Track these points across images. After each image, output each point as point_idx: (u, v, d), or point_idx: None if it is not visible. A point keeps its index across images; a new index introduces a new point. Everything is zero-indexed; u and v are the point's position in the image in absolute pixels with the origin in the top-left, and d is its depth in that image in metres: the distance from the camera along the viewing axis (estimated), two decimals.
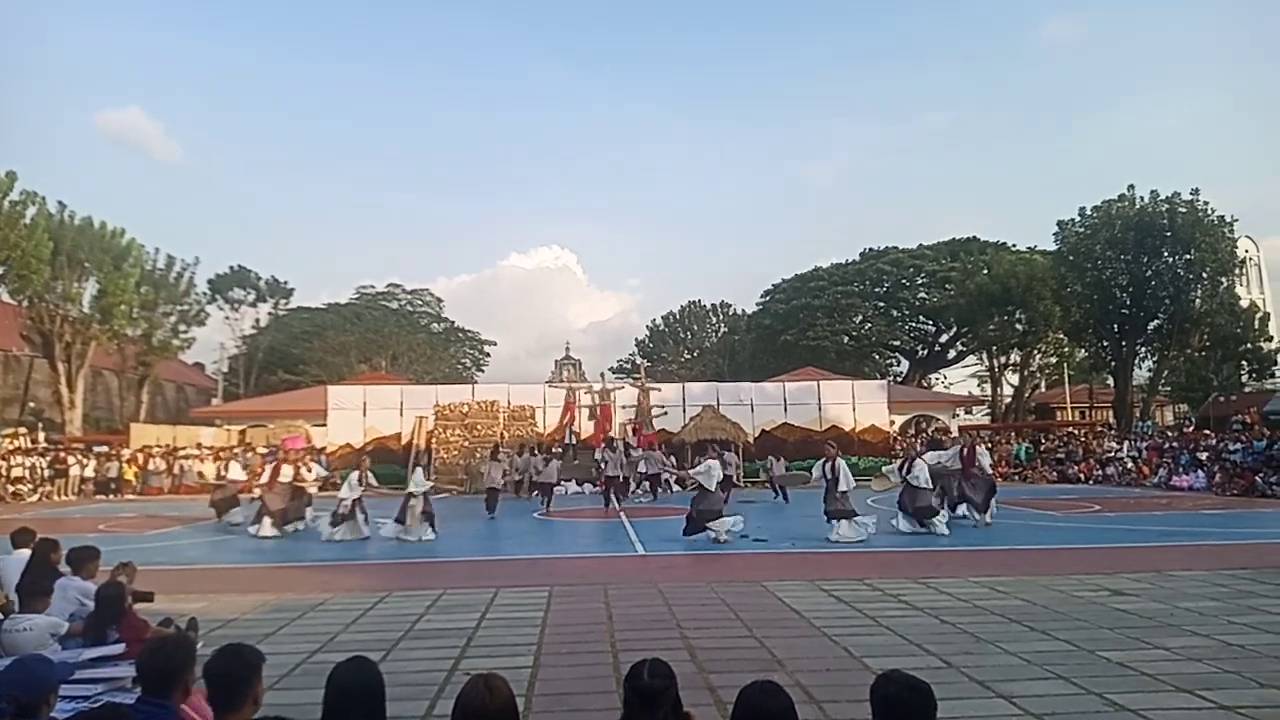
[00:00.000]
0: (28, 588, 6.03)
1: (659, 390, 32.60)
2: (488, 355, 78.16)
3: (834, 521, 13.97)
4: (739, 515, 14.58)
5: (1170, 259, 36.37)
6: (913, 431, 39.26)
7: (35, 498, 27.84)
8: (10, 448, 31.06)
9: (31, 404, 42.50)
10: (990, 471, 16.56)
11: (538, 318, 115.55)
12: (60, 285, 37.08)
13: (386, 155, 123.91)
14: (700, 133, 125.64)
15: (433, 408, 29.96)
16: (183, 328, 46.52)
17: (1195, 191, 36.03)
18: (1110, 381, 42.82)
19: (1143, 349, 39.31)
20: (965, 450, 16.52)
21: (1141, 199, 37.04)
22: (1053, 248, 41.53)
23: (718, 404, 31.34)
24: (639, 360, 79.41)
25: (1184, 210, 35.75)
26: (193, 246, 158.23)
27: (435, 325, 75.03)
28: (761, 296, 64.79)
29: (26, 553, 7.43)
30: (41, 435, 35.06)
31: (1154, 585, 9.41)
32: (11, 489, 27.83)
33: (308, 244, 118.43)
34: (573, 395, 30.68)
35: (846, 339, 57.43)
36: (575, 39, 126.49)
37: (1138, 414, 38.75)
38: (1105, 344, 39.61)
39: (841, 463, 14.41)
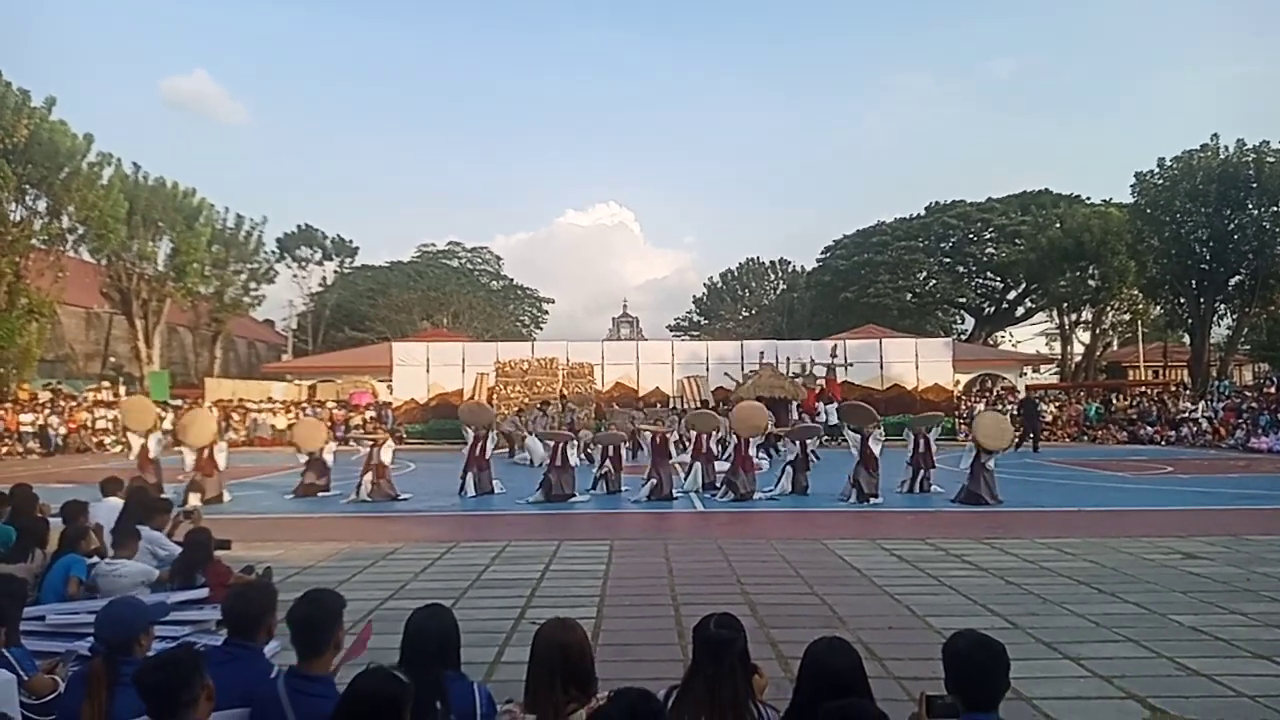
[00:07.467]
0: (120, 534, 6.35)
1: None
2: (546, 313, 78.84)
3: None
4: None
5: (1255, 211, 34.67)
6: (978, 389, 38.54)
7: (118, 449, 29.10)
8: (94, 400, 32.49)
9: (112, 359, 44.23)
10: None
11: (595, 275, 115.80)
12: (136, 244, 38.17)
13: (445, 116, 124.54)
14: (758, 90, 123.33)
15: (494, 364, 30.31)
16: (253, 285, 47.66)
17: None
18: (1186, 339, 41.31)
19: (1222, 306, 37.69)
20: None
21: (1226, 148, 35.18)
22: (1129, 200, 39.87)
23: (776, 361, 31.08)
24: (696, 318, 79.50)
25: (1272, 160, 33.89)
26: (261, 206, 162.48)
27: (494, 283, 75.79)
28: (822, 253, 63.81)
29: (116, 500, 7.84)
30: (122, 389, 36.49)
31: (1229, 549, 9.16)
32: (95, 440, 29.17)
33: (371, 203, 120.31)
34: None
35: (909, 296, 56.26)
36: (633, 4, 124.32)
37: (1214, 373, 37.35)
38: (1182, 301, 38.08)
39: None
